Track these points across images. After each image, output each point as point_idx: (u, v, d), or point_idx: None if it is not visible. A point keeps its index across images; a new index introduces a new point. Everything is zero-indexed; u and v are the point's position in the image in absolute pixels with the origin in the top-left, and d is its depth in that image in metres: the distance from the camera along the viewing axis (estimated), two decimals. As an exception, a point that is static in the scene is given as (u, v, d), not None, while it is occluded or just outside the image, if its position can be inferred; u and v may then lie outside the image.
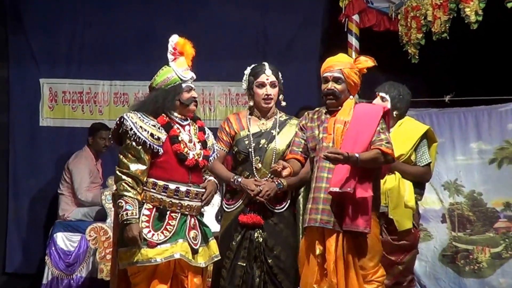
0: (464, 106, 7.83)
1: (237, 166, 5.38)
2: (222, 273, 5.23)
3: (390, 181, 5.54)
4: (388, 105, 5.60)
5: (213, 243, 4.80)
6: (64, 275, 7.41)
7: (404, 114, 5.84)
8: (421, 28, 7.23)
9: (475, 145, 7.79)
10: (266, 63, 5.34)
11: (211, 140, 4.97)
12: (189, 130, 4.81)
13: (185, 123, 4.81)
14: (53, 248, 7.43)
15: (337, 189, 4.61)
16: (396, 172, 5.57)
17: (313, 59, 8.33)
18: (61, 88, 8.64)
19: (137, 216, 4.54)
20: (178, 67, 4.76)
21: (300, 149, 4.98)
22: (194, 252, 4.64)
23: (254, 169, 5.27)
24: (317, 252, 4.77)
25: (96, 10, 8.64)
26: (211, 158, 4.92)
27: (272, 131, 5.30)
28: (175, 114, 4.78)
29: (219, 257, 4.88)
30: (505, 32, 7.84)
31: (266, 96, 5.25)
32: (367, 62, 4.87)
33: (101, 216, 7.20)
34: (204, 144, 4.83)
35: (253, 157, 5.27)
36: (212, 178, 4.94)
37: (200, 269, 4.71)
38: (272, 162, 5.19)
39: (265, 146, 5.27)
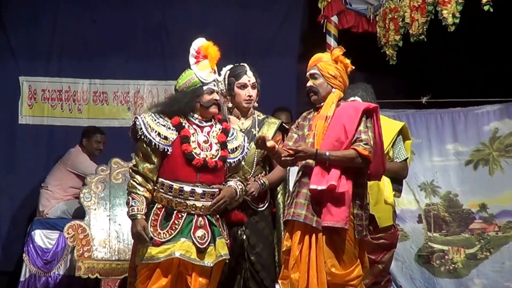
0: (441, 108, 7.91)
1: (220, 165, 5.39)
2: None
3: (369, 178, 5.57)
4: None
5: (219, 242, 4.76)
6: (42, 272, 7.39)
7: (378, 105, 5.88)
8: (399, 30, 7.26)
9: (451, 147, 7.86)
10: (246, 64, 5.37)
11: (235, 143, 4.93)
12: (208, 132, 4.84)
13: (206, 124, 4.86)
14: (31, 246, 7.40)
15: (322, 187, 4.61)
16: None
17: (291, 59, 8.34)
18: (41, 86, 8.61)
19: (142, 212, 4.63)
20: (199, 70, 4.83)
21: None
22: (200, 251, 4.65)
23: (237, 168, 5.29)
24: (283, 248, 4.82)
25: (75, 9, 8.63)
26: (231, 160, 4.88)
27: (252, 129, 5.31)
28: (195, 115, 4.83)
29: (227, 256, 4.81)
30: (482, 34, 7.92)
31: (248, 98, 5.28)
32: (339, 51, 4.90)
33: (80, 213, 7.19)
34: (223, 145, 4.83)
35: None
36: (233, 183, 4.90)
37: (207, 268, 4.70)
38: (254, 161, 5.22)
39: (247, 144, 5.29)
